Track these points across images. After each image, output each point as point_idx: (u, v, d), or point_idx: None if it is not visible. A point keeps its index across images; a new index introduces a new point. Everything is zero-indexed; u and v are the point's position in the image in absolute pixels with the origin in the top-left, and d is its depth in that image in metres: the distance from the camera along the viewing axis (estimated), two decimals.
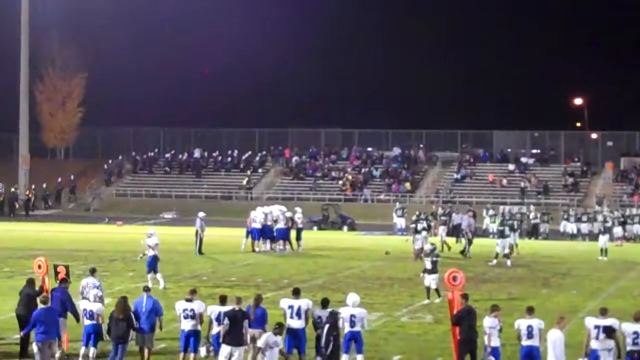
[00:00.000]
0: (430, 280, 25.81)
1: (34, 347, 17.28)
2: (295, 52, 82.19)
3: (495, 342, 16.77)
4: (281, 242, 39.03)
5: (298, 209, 40.58)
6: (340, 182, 63.61)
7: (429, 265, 26.12)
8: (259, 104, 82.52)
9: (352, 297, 17.89)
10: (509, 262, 34.71)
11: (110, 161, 70.49)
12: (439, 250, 38.73)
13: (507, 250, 35.24)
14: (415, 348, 19.98)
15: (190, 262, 34.46)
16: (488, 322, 16.79)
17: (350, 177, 63.94)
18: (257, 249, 38.31)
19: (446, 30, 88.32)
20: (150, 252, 27.87)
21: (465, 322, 17.20)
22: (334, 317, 17.06)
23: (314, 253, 38.38)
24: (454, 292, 17.83)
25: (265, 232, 38.72)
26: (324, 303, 17.75)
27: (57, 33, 69.95)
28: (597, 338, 16.04)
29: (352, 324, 17.52)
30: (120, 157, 71.01)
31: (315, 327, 17.49)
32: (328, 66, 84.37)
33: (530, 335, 16.27)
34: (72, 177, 66.69)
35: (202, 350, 17.64)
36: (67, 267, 19.87)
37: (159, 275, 27.75)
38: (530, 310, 16.60)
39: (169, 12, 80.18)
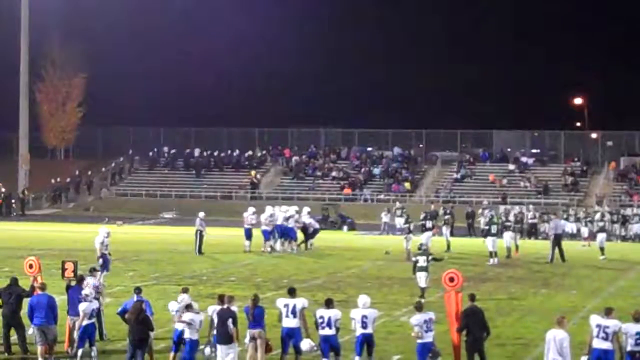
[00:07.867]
0: (425, 278, 25.75)
1: (31, 330, 18.10)
2: (295, 52, 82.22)
3: (424, 338, 16.95)
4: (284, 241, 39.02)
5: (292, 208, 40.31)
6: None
7: (424, 263, 25.94)
8: (259, 104, 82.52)
9: (363, 299, 17.69)
10: (491, 261, 34.83)
11: (114, 161, 70.45)
12: (444, 250, 38.93)
13: (495, 249, 35.29)
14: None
15: (190, 262, 34.48)
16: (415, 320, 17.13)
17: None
18: (247, 249, 38.24)
19: (446, 30, 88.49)
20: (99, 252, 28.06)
21: (470, 322, 17.17)
22: None
23: (314, 253, 38.37)
24: (451, 293, 17.77)
25: (271, 233, 38.72)
26: (328, 303, 17.68)
27: (57, 33, 69.98)
28: (597, 337, 16.03)
29: (364, 325, 17.28)
30: (121, 159, 70.92)
31: (317, 327, 17.45)
32: (328, 66, 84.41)
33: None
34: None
35: (206, 350, 17.66)
36: (75, 264, 19.88)
37: (103, 274, 26.98)
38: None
39: (169, 12, 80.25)
